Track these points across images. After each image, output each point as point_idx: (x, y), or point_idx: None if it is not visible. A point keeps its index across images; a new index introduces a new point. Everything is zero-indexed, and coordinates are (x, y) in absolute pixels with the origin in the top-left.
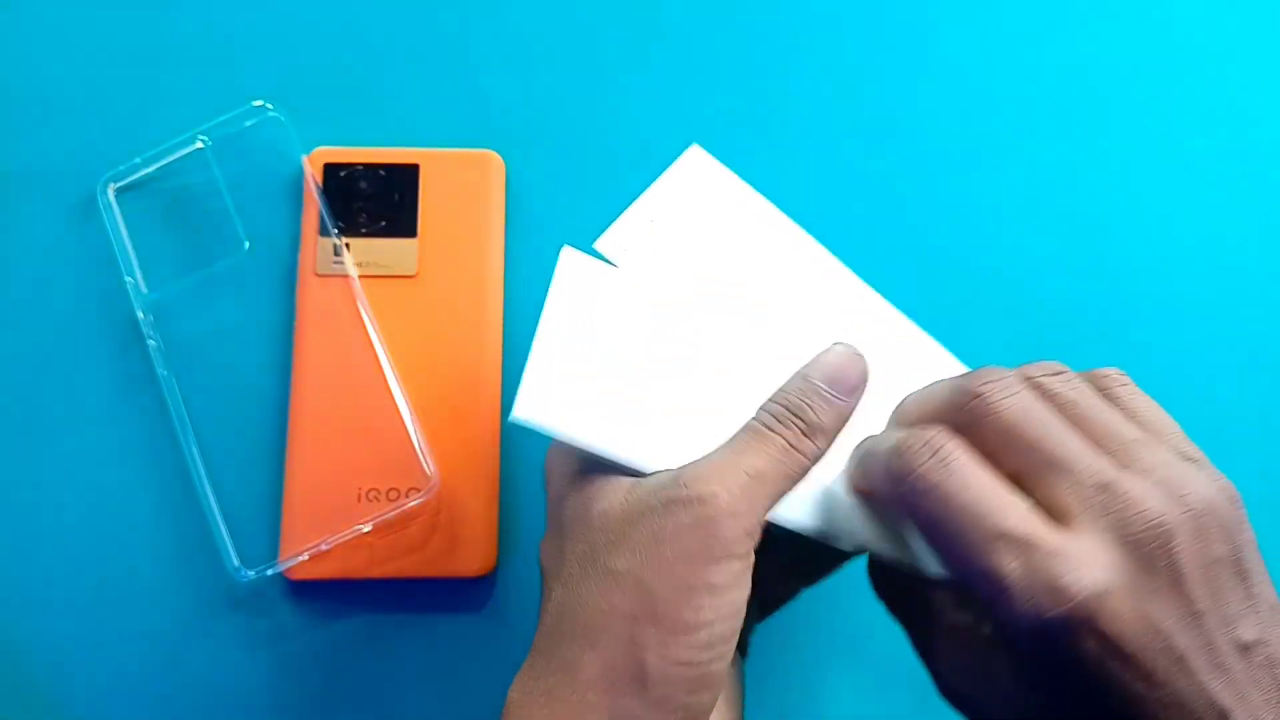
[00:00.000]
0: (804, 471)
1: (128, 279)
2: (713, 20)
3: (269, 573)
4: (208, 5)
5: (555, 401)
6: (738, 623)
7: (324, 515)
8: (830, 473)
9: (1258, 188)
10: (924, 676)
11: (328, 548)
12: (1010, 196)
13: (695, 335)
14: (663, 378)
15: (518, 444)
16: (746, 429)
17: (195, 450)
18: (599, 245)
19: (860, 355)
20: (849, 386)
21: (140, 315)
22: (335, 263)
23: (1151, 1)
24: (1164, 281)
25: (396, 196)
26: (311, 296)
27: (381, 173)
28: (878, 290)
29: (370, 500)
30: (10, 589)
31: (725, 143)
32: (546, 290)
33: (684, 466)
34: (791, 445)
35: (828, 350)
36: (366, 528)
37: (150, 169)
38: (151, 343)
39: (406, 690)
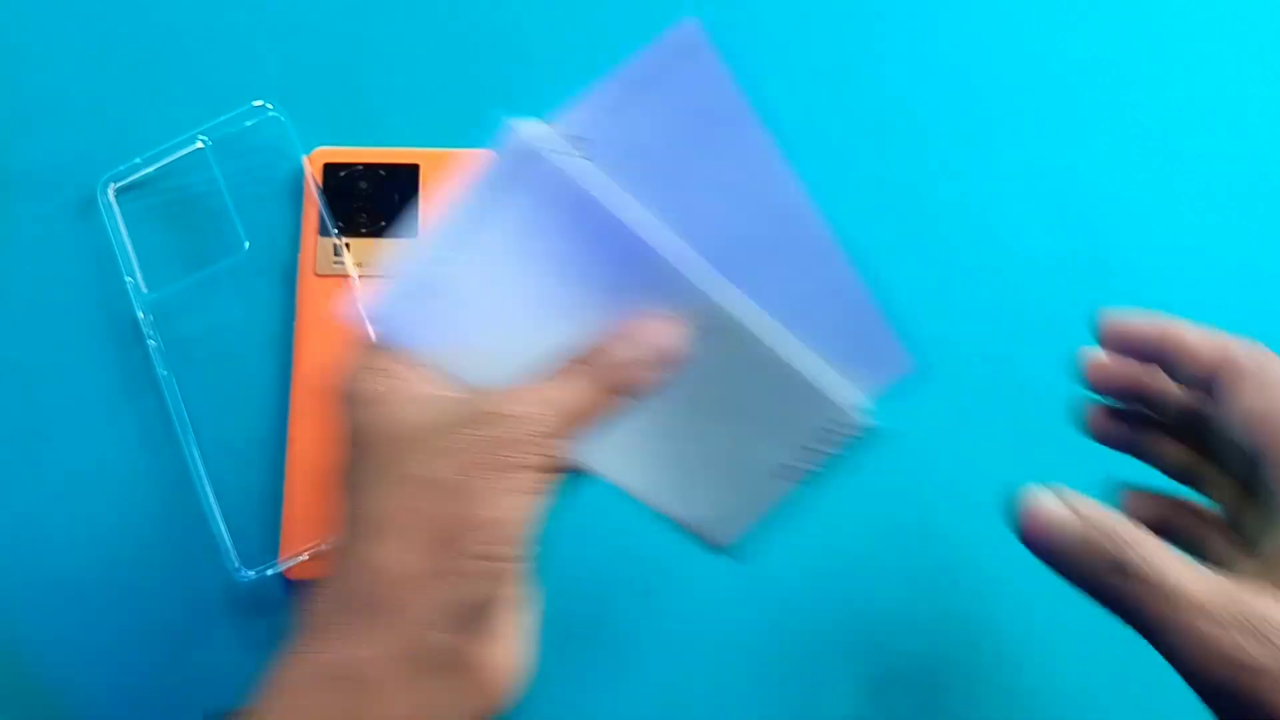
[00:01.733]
0: (600, 415)
1: (128, 279)
2: (715, 22)
3: (269, 573)
4: (208, 5)
5: (408, 319)
6: (534, 528)
7: (324, 515)
8: (649, 437)
9: (1258, 188)
10: (923, 676)
11: (328, 548)
12: (1010, 196)
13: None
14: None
15: None
16: (555, 370)
17: (195, 450)
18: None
19: (679, 326)
20: (660, 347)
21: (140, 315)
22: (335, 263)
23: (1151, 2)
24: (1164, 281)
25: (396, 197)
26: (311, 296)
27: (381, 173)
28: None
29: None
30: (10, 589)
31: None
32: None
33: (488, 389)
34: (595, 390)
35: (652, 314)
36: None
37: (150, 169)
38: (151, 343)
39: None
